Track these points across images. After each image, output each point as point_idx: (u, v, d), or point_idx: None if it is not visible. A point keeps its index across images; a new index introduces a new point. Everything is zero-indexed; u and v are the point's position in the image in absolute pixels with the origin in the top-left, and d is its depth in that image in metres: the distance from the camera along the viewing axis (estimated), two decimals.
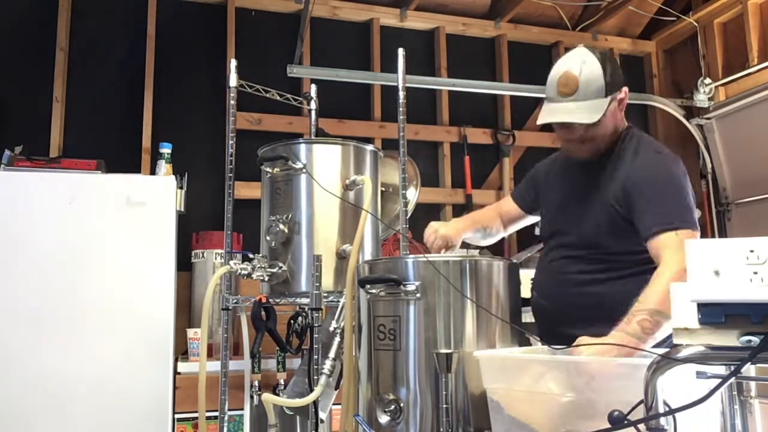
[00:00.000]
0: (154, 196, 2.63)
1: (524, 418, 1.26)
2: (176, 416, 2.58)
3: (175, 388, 2.59)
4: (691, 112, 4.05)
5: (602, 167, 1.76)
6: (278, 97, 2.60)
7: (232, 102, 2.39)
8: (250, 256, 2.11)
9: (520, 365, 1.32)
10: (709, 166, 3.98)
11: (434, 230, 1.90)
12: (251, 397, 2.38)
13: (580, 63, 1.69)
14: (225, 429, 2.22)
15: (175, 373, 2.62)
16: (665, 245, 1.56)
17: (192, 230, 3.10)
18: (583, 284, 1.71)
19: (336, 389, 1.94)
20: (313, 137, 2.63)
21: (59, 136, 3.21)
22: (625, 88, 1.74)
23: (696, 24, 4.02)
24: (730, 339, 0.92)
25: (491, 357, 1.38)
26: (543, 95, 1.78)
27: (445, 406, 1.35)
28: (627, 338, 1.44)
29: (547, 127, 1.80)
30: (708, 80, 3.92)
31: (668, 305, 1.38)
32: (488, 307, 1.46)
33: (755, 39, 3.72)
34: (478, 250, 2.96)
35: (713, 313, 0.93)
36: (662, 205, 1.62)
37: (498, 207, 2.12)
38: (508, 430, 1.29)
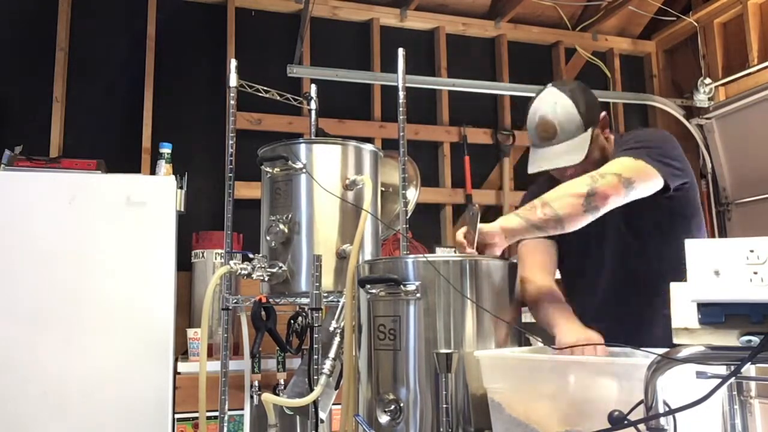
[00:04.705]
0: (154, 196, 2.63)
1: (524, 418, 1.26)
2: (176, 416, 2.58)
3: (175, 388, 2.59)
4: (691, 112, 4.06)
5: None
6: (278, 97, 2.60)
7: (232, 102, 2.39)
8: (250, 256, 2.10)
9: (520, 365, 1.32)
10: (709, 166, 3.98)
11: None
12: (251, 397, 2.37)
13: (552, 105, 1.71)
14: (225, 429, 2.22)
15: (175, 373, 2.63)
16: (613, 161, 1.61)
17: (192, 230, 3.10)
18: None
19: (336, 389, 1.94)
20: (313, 137, 2.62)
21: (59, 136, 3.22)
22: (604, 113, 1.76)
23: (696, 24, 4.02)
24: (730, 339, 0.92)
25: (492, 357, 1.38)
26: None
27: (445, 406, 1.35)
28: (513, 218, 1.55)
29: None
30: (708, 80, 3.92)
31: (559, 198, 1.51)
32: (488, 307, 1.46)
33: (755, 39, 3.72)
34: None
35: (713, 313, 0.93)
36: (637, 143, 1.65)
37: None
38: (508, 430, 1.29)
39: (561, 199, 1.53)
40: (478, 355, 1.38)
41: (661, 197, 1.64)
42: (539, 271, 1.77)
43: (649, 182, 1.58)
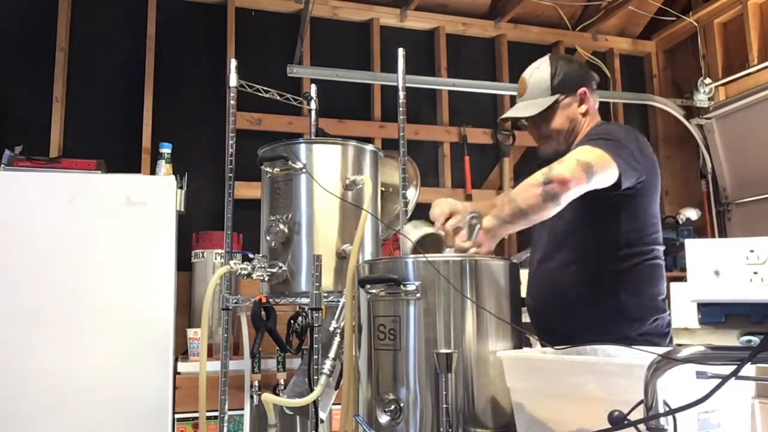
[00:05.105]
0: (154, 196, 2.63)
1: (544, 418, 1.26)
2: (176, 416, 2.58)
3: (175, 388, 2.59)
4: (691, 112, 4.05)
5: None
6: (278, 97, 2.60)
7: (232, 102, 2.39)
8: (250, 256, 2.11)
9: (544, 366, 1.32)
10: (709, 166, 3.98)
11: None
12: (251, 397, 2.37)
13: (533, 68, 1.90)
14: (225, 429, 2.22)
15: (175, 373, 2.63)
16: (574, 150, 1.65)
17: (192, 230, 3.10)
18: (562, 282, 1.77)
19: (336, 389, 1.94)
20: (313, 137, 2.63)
21: (59, 136, 3.21)
22: (583, 89, 1.85)
23: (696, 24, 4.02)
24: (730, 339, 0.92)
25: (515, 357, 1.38)
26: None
27: (445, 406, 1.35)
28: (490, 218, 1.61)
29: None
30: (708, 80, 3.92)
31: (521, 192, 1.57)
32: (488, 307, 1.46)
33: (755, 39, 3.72)
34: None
35: (713, 313, 0.93)
36: (598, 135, 1.71)
37: None
38: (529, 428, 1.29)
39: (522, 191, 1.59)
40: (501, 355, 1.38)
41: (608, 193, 1.66)
42: None
43: (607, 171, 1.62)
